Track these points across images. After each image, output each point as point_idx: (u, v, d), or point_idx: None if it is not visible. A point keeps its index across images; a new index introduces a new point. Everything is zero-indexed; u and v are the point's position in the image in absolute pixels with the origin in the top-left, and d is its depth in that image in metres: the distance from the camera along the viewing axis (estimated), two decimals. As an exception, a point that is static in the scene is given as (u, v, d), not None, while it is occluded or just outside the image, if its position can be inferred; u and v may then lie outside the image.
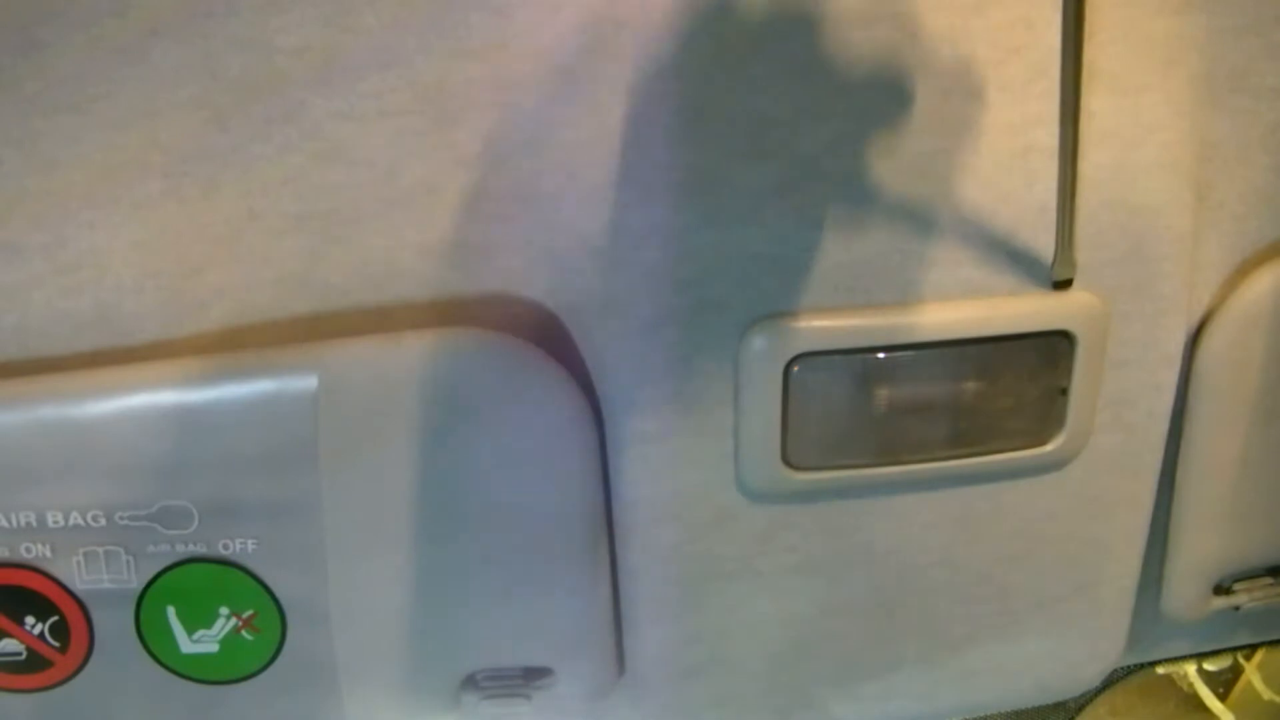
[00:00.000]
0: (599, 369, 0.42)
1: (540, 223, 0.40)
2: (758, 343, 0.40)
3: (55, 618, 0.42)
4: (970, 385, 0.42)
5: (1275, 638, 0.57)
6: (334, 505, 0.41)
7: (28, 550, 0.41)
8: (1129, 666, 0.94)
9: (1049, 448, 0.44)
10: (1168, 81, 0.40)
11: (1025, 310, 0.41)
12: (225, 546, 0.41)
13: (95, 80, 0.37)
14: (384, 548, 0.42)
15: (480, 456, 0.41)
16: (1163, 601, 0.51)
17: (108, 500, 0.40)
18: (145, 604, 0.42)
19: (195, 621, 0.43)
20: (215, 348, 0.40)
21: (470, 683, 0.45)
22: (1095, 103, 0.39)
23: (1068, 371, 0.42)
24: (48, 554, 0.41)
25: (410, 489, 0.41)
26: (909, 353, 0.41)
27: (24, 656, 0.43)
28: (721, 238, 0.39)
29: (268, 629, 0.43)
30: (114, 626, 0.43)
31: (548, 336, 0.41)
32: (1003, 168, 0.39)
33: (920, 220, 0.40)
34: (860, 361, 0.41)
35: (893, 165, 0.39)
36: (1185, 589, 0.51)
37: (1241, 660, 0.96)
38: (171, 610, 0.43)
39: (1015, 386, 0.43)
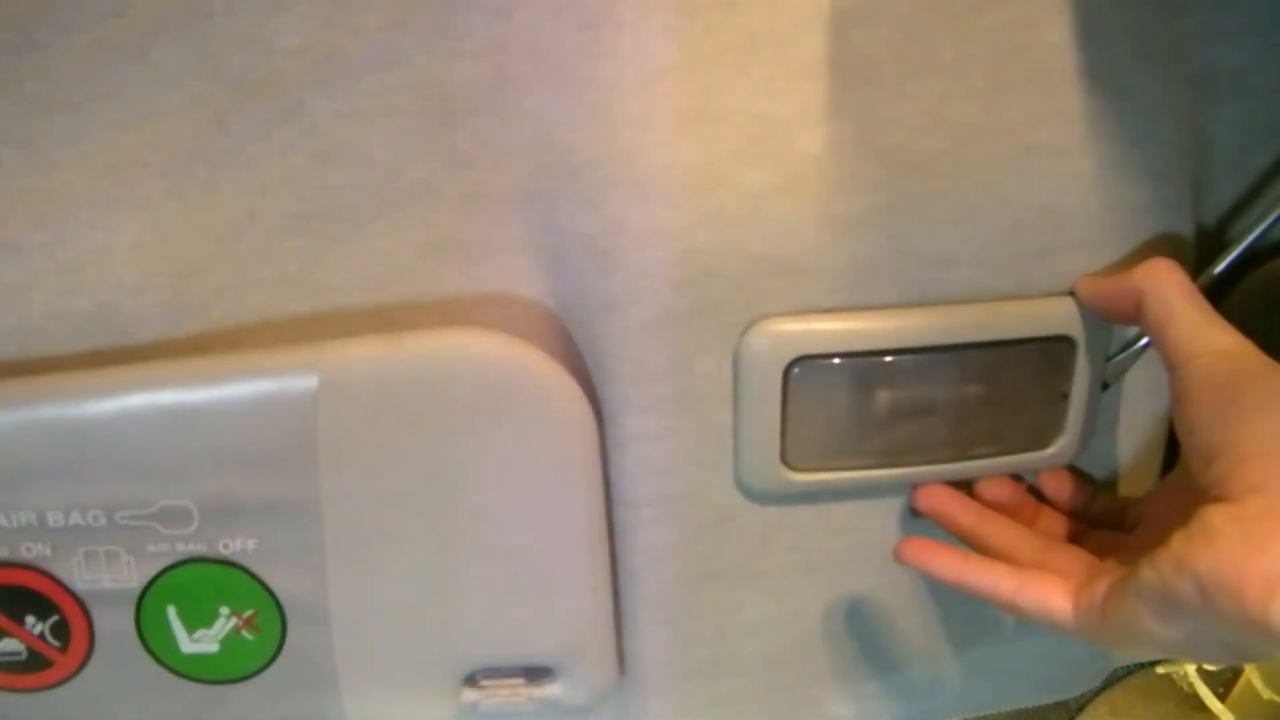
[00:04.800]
0: (599, 369, 0.42)
1: (540, 223, 0.40)
2: (757, 344, 0.40)
3: (55, 617, 0.42)
4: (970, 390, 0.42)
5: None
6: (334, 505, 0.41)
7: (28, 550, 0.41)
8: (1129, 666, 0.95)
9: (1049, 451, 0.44)
10: (1168, 81, 0.40)
11: (1026, 314, 0.41)
12: (225, 546, 0.41)
13: (95, 80, 0.37)
14: (384, 548, 0.42)
15: (480, 456, 0.41)
16: None
17: (108, 500, 0.40)
18: (145, 604, 0.42)
19: (195, 621, 0.43)
20: (215, 348, 0.40)
21: (470, 683, 0.45)
22: (1095, 103, 0.39)
23: (1069, 376, 0.42)
24: (48, 554, 0.41)
25: (410, 489, 0.41)
26: (909, 356, 0.41)
27: (24, 656, 0.43)
28: (721, 238, 0.39)
29: (268, 629, 0.43)
30: (114, 626, 0.43)
31: (548, 336, 0.41)
32: (1003, 168, 0.39)
33: (920, 220, 0.40)
34: (860, 364, 0.41)
35: (893, 165, 0.39)
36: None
37: (1241, 660, 0.96)
38: (171, 610, 0.43)
39: (1016, 391, 0.43)
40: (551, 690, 0.45)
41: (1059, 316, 0.41)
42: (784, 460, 0.42)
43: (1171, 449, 0.48)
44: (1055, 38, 0.38)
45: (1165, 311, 0.36)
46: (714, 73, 0.37)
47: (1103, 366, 0.43)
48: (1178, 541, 0.32)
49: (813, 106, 0.38)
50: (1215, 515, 0.31)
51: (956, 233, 0.40)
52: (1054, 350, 0.42)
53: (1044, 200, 0.40)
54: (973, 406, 0.43)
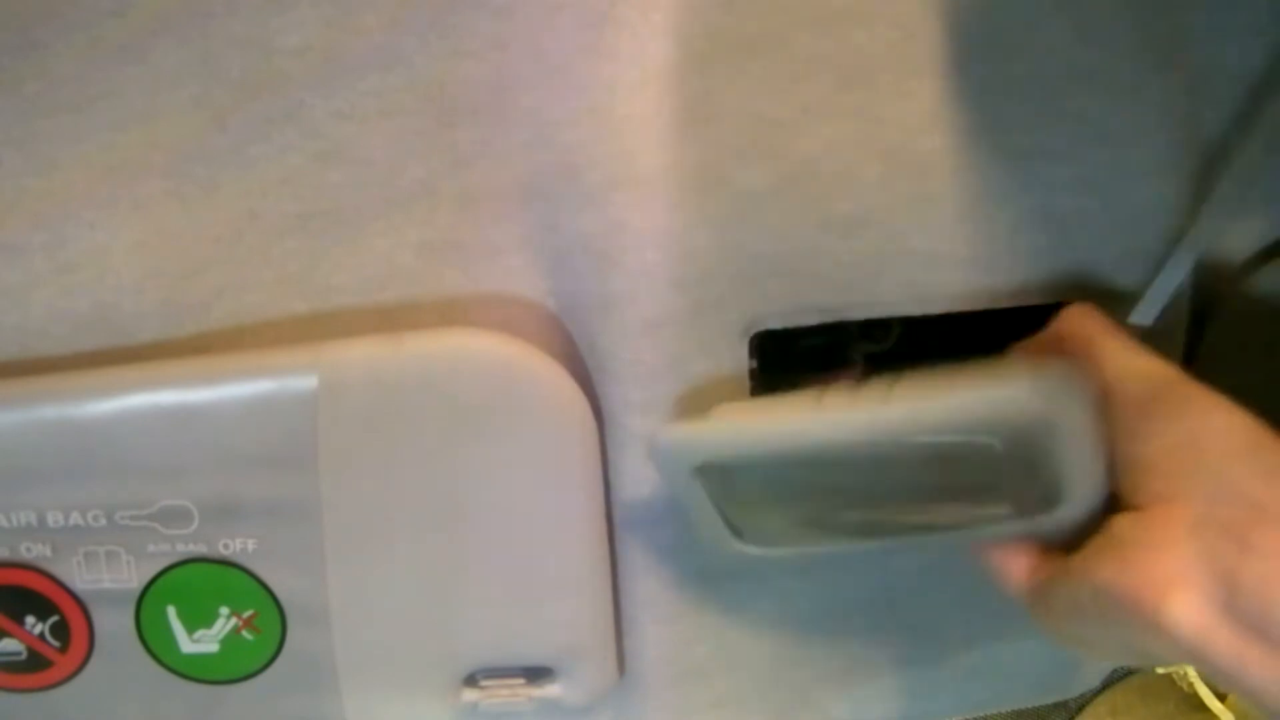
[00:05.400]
0: (599, 369, 0.42)
1: (540, 223, 0.40)
2: (662, 448, 0.38)
3: (55, 618, 0.42)
4: (928, 479, 0.37)
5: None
6: (334, 505, 0.41)
7: (28, 550, 0.41)
8: (1129, 666, 0.94)
9: (1052, 515, 0.42)
10: (1167, 81, 0.40)
11: (974, 410, 0.33)
12: (225, 546, 0.41)
13: (95, 80, 0.37)
14: (384, 548, 0.42)
15: (480, 456, 0.41)
16: None
17: (108, 500, 0.40)
18: (145, 604, 0.42)
19: (195, 621, 0.43)
20: (215, 348, 0.40)
21: (470, 683, 0.45)
22: (1094, 103, 0.39)
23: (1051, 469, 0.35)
24: (48, 554, 0.41)
25: (410, 489, 0.41)
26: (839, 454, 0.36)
27: (24, 656, 0.43)
28: (721, 238, 0.39)
29: (268, 629, 0.43)
30: (114, 626, 0.43)
31: (548, 336, 0.41)
32: (1003, 168, 0.39)
33: (920, 220, 0.40)
34: (780, 466, 0.37)
35: (893, 165, 0.39)
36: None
37: (1241, 660, 0.96)
38: (171, 610, 0.43)
39: (983, 479, 0.36)
40: (551, 690, 0.45)
41: (1015, 414, 0.32)
42: (740, 539, 0.40)
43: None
44: (1055, 38, 0.38)
45: (1085, 347, 0.36)
46: (714, 73, 0.37)
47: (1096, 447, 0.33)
48: (1088, 550, 0.32)
49: (813, 106, 0.38)
50: (1119, 524, 0.32)
51: (956, 233, 0.40)
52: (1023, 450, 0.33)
53: (1043, 200, 0.40)
54: (936, 494, 0.36)
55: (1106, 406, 0.34)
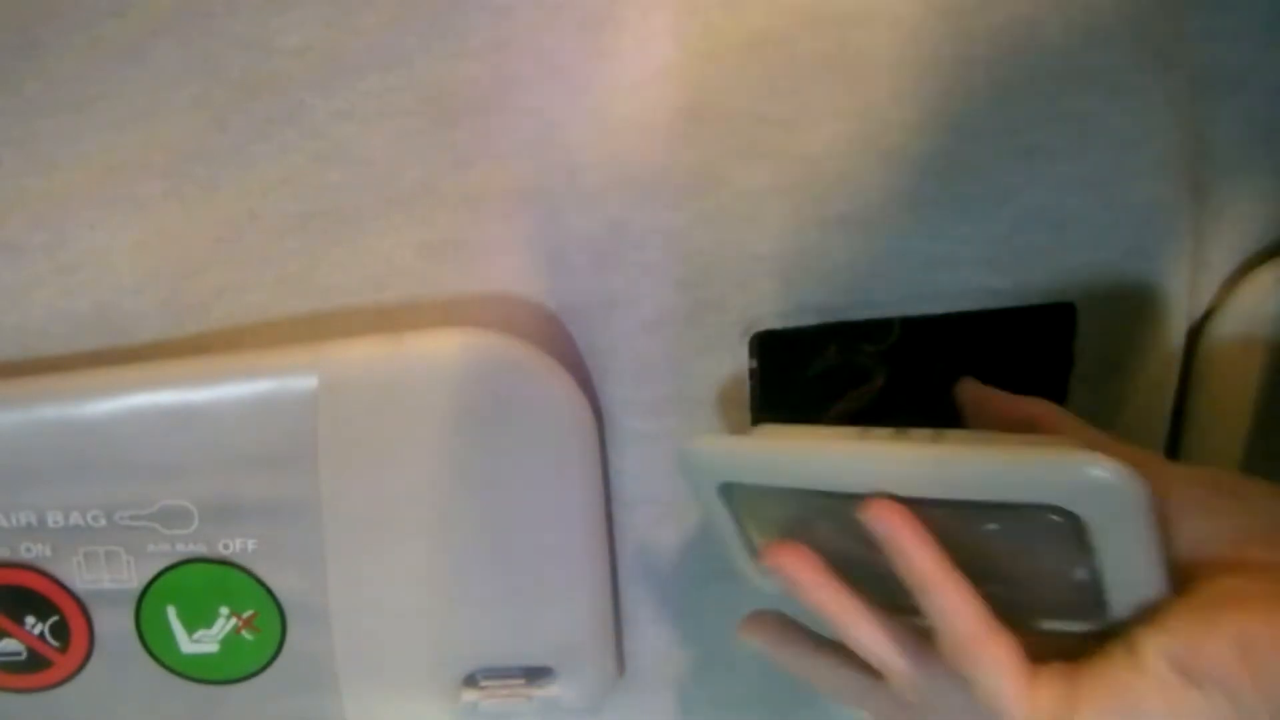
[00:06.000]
0: (599, 369, 0.42)
1: (540, 223, 0.40)
2: (688, 462, 0.36)
3: (55, 618, 0.42)
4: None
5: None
6: (334, 505, 0.41)
7: (28, 550, 0.41)
8: None
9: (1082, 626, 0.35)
10: (1167, 81, 0.40)
11: (1017, 474, 0.29)
12: (225, 546, 0.41)
13: (95, 80, 0.37)
14: (384, 547, 0.42)
15: (480, 456, 0.41)
16: None
17: (108, 500, 0.40)
18: (145, 604, 0.42)
19: (195, 621, 0.43)
20: (215, 348, 0.40)
21: (470, 683, 0.45)
22: (1095, 103, 0.39)
23: (1083, 558, 0.31)
24: (48, 554, 0.41)
25: (410, 489, 0.41)
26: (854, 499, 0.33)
27: (24, 656, 0.43)
28: (721, 238, 0.39)
29: (268, 629, 0.43)
30: (114, 626, 0.43)
31: (548, 336, 0.41)
32: (1003, 168, 0.39)
33: (920, 221, 0.40)
34: (800, 497, 0.34)
35: (893, 165, 0.39)
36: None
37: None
38: (171, 610, 0.43)
39: (1007, 560, 0.32)
40: (551, 690, 0.45)
41: (1060, 484, 0.28)
42: (754, 561, 0.38)
43: (1171, 449, 0.48)
44: (1055, 38, 0.38)
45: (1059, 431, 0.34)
46: (714, 73, 0.37)
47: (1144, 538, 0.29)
48: (1193, 609, 0.29)
49: (813, 106, 0.38)
50: (1237, 582, 0.30)
51: (956, 233, 0.40)
52: (1054, 526, 0.29)
53: (1044, 200, 0.40)
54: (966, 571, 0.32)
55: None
